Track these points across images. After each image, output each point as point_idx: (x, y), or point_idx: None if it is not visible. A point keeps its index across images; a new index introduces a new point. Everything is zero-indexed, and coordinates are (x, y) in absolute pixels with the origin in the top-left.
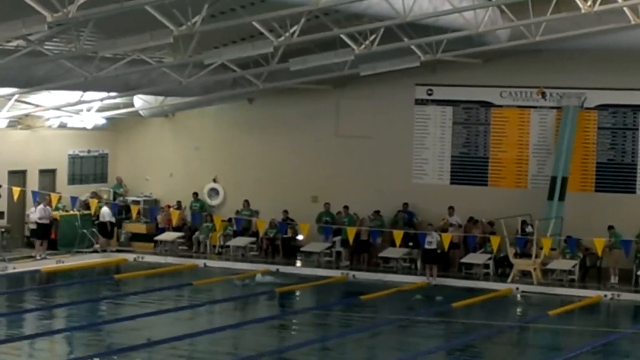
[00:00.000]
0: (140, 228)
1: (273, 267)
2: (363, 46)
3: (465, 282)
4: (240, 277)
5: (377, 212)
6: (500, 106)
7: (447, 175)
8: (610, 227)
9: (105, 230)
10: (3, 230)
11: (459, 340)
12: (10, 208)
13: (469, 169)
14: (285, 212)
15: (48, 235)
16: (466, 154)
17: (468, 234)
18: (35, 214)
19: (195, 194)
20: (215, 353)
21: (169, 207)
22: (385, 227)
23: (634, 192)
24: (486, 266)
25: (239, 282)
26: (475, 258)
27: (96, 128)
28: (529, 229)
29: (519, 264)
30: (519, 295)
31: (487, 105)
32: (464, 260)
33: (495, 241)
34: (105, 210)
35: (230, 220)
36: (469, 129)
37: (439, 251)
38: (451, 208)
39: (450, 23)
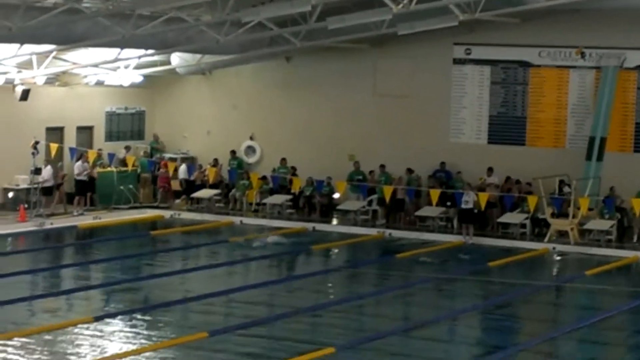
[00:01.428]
0: (178, 185)
1: (309, 225)
2: (401, 5)
3: (501, 242)
4: (250, 237)
5: (411, 170)
6: (539, 66)
7: (485, 134)
8: None
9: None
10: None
11: (495, 300)
12: (48, 164)
13: (506, 128)
14: (329, 178)
15: (86, 192)
16: (504, 113)
17: (505, 194)
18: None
19: (233, 152)
20: (250, 310)
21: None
22: (420, 186)
23: None
24: (523, 226)
25: (244, 243)
26: (512, 218)
27: (133, 85)
28: (566, 189)
29: (556, 224)
30: (555, 255)
31: (525, 64)
32: (500, 219)
33: (532, 201)
34: (183, 168)
35: (265, 177)
36: (507, 89)
37: (475, 211)
38: (490, 169)
39: None
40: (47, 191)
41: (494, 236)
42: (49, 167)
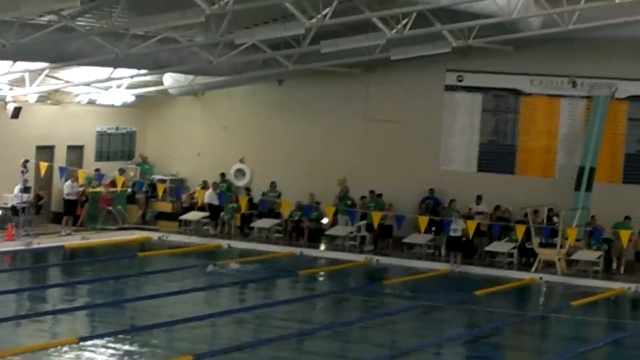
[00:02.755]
0: (166, 207)
1: (297, 250)
2: (395, 30)
3: (489, 270)
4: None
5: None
6: (530, 94)
7: (475, 162)
8: (627, 218)
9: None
10: (29, 205)
11: (481, 329)
12: (37, 183)
13: (496, 156)
14: (312, 195)
15: (74, 212)
16: (494, 141)
17: (493, 222)
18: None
19: (223, 175)
20: (236, 334)
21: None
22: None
23: None
24: (510, 255)
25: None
26: (500, 246)
27: (125, 105)
28: (555, 218)
29: (544, 254)
30: (542, 285)
31: (517, 93)
32: (488, 248)
33: (520, 230)
34: (209, 193)
35: (250, 200)
36: (498, 117)
37: (463, 239)
38: (479, 197)
39: (483, 9)
40: (71, 205)
41: (482, 264)
42: (68, 182)
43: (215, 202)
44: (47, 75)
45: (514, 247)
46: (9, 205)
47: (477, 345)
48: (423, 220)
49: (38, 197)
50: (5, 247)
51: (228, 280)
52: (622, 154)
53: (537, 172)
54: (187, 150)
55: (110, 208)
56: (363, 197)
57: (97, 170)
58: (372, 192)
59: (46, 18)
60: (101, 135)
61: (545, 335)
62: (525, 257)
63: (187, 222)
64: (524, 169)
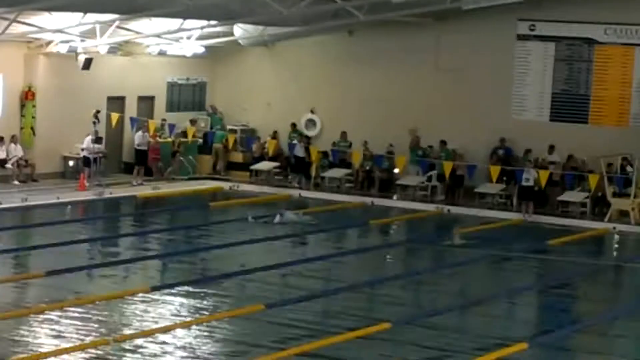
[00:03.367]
0: (237, 157)
1: (368, 200)
2: None
3: (561, 220)
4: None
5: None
6: (604, 43)
7: (547, 112)
8: None
9: (299, 166)
10: (101, 155)
11: (554, 278)
12: (109, 134)
13: (569, 106)
14: (391, 145)
15: (146, 162)
16: (567, 91)
17: (566, 172)
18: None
19: (294, 125)
20: (307, 283)
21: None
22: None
23: None
24: (583, 205)
25: (252, 220)
26: (573, 196)
27: (195, 56)
28: (628, 168)
29: (617, 203)
30: (615, 235)
31: (590, 42)
32: (561, 198)
33: (593, 180)
34: (298, 147)
35: (325, 152)
36: (571, 66)
37: (536, 188)
38: (551, 147)
39: None
40: (142, 155)
41: (554, 214)
42: (139, 132)
43: (301, 154)
44: (117, 27)
45: (587, 197)
46: (81, 155)
47: (550, 295)
48: (495, 170)
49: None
50: (77, 197)
51: (299, 230)
52: None
53: (611, 122)
54: (257, 101)
55: (159, 162)
56: (430, 146)
57: (163, 120)
58: (443, 142)
59: None
60: (172, 86)
61: (619, 284)
62: (599, 207)
63: (257, 172)
64: (598, 118)
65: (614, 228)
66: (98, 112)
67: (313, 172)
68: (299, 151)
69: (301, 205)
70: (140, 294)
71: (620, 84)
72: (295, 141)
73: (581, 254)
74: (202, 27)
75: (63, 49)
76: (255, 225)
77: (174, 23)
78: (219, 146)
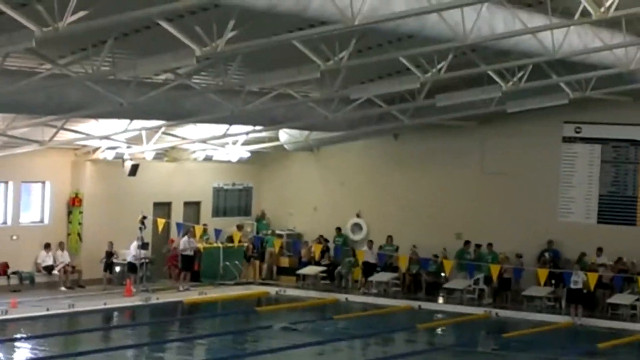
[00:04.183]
0: (284, 262)
1: (415, 304)
2: (511, 83)
3: (611, 323)
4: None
5: (519, 255)
6: None
7: (595, 214)
8: None
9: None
10: (147, 261)
11: None
12: (155, 239)
13: (617, 208)
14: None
15: (191, 267)
16: (614, 192)
17: (615, 274)
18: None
19: (339, 229)
20: None
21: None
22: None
23: None
24: (633, 307)
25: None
26: (622, 298)
27: (241, 161)
28: None
29: None
30: None
31: (637, 143)
32: (610, 300)
33: None
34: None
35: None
36: (618, 168)
37: (584, 291)
38: (599, 249)
39: (601, 60)
40: (188, 260)
41: (604, 317)
42: (185, 237)
43: (373, 260)
44: (163, 133)
45: (637, 299)
46: (126, 261)
47: None
48: (543, 273)
49: (109, 255)
50: (124, 303)
51: (347, 334)
52: None
53: None
54: (303, 206)
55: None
56: (479, 246)
57: (204, 225)
58: (490, 245)
59: (162, 77)
60: (217, 191)
61: None
62: None
63: (304, 277)
64: None
65: None
66: (145, 217)
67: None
68: (370, 257)
69: (349, 309)
70: None
71: None
72: (365, 247)
73: (632, 357)
74: (247, 133)
75: (110, 155)
76: (301, 329)
77: (220, 129)
78: (273, 250)
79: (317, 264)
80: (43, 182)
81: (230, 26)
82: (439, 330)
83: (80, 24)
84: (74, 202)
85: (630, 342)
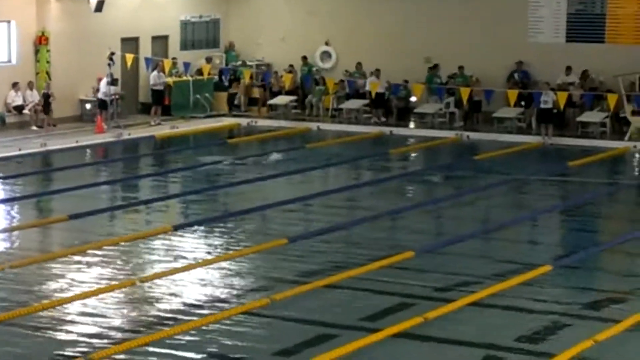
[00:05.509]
0: (254, 92)
1: (386, 129)
2: None
3: (581, 141)
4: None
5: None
6: None
7: (563, 32)
8: None
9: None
10: (118, 97)
11: (576, 199)
12: (124, 75)
13: (585, 25)
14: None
15: (162, 101)
16: (582, 10)
17: (585, 92)
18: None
19: (304, 58)
20: (329, 215)
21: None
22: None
23: None
24: (603, 124)
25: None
26: (592, 116)
27: None
28: None
29: (637, 122)
30: (636, 154)
31: None
32: (580, 118)
33: (612, 99)
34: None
35: (342, 81)
36: None
37: (554, 110)
38: (568, 68)
39: None
40: (159, 95)
41: (574, 135)
42: (154, 72)
43: (382, 90)
44: None
45: (607, 117)
46: (96, 98)
47: (572, 216)
48: (512, 94)
49: (46, 96)
50: (96, 140)
51: (319, 162)
52: None
53: (628, 39)
54: (272, 36)
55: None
56: (451, 76)
57: (173, 59)
58: (460, 68)
59: None
60: (185, 24)
61: None
62: (618, 126)
63: (275, 107)
64: (614, 37)
65: (635, 147)
66: (113, 53)
67: (334, 104)
68: (380, 87)
69: (320, 137)
70: (162, 233)
71: (636, 1)
72: (373, 77)
73: (602, 174)
74: None
75: None
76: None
77: None
78: (244, 81)
79: (288, 93)
80: (8, 22)
81: None
82: (412, 155)
83: None
84: (41, 41)
85: (600, 159)
